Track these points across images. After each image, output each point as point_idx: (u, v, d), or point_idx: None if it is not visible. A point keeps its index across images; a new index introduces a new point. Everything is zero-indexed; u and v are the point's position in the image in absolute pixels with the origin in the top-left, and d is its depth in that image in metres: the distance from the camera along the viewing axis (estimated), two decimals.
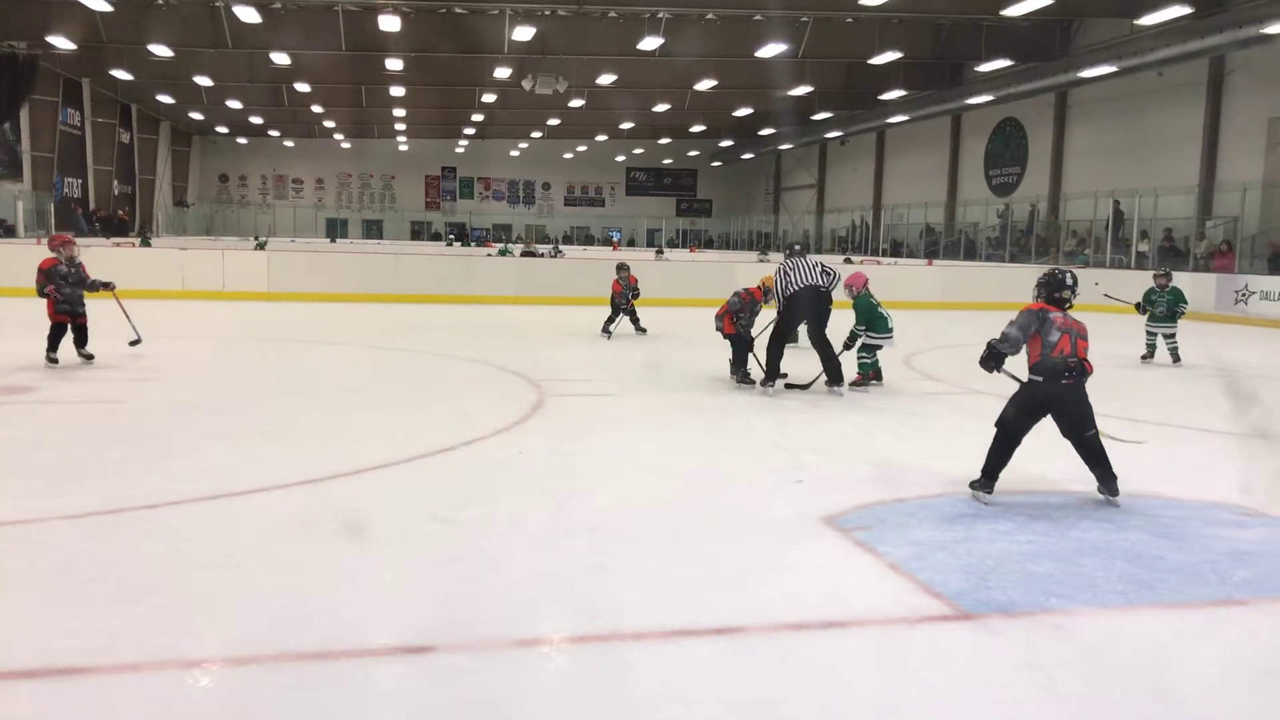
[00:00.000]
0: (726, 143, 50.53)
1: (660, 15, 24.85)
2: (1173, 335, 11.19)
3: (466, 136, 50.42)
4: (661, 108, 37.12)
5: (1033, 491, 5.29)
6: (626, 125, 44.76)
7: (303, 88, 34.59)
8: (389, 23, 23.79)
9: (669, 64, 29.45)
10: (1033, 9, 21.02)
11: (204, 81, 32.90)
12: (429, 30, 26.17)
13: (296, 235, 45.31)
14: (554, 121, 43.21)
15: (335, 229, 51.10)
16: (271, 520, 4.61)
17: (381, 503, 4.98)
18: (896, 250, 35.26)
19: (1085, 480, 5.22)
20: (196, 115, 43.97)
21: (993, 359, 5.11)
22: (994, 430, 5.15)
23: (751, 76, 31.41)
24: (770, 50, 25.45)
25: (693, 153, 55.09)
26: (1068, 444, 5.15)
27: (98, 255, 18.01)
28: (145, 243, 27.91)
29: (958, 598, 3.74)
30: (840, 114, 37.56)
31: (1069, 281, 5.08)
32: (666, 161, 56.73)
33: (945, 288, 20.76)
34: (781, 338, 8.63)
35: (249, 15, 23.40)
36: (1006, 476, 5.13)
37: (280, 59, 28.17)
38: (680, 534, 4.52)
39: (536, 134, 48.84)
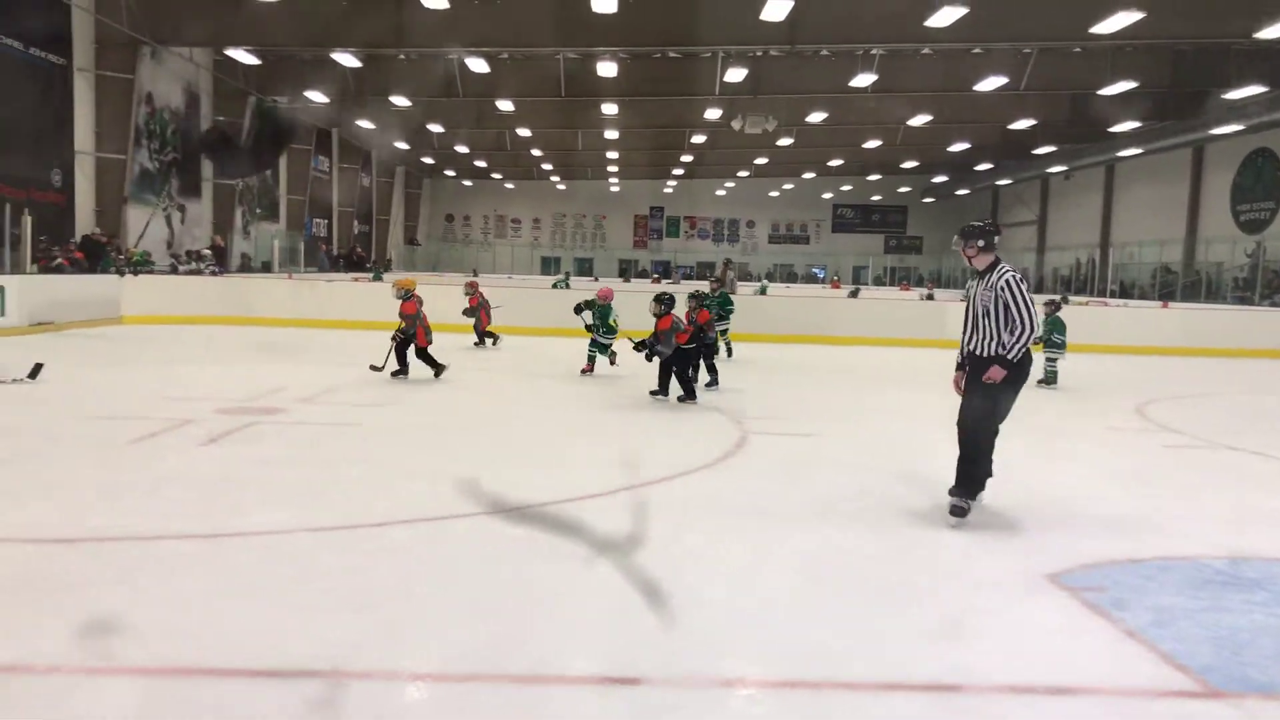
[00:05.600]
0: (940, 178, 49.02)
1: (874, 52, 24.54)
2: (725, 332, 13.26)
3: (675, 176, 51.53)
4: (872, 144, 36.53)
5: None
6: (835, 162, 44.35)
7: (524, 132, 36.56)
8: (606, 69, 24.76)
9: (882, 100, 29.00)
10: None
11: (436, 128, 35.41)
12: (643, 74, 27.05)
13: (514, 272, 47.65)
14: (761, 160, 43.43)
15: (549, 266, 53.41)
16: (490, 543, 4.81)
17: (592, 531, 5.10)
18: (1126, 291, 32.89)
19: None
20: (428, 160, 47.31)
21: (656, 352, 9.61)
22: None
23: (969, 111, 30.42)
24: (990, 84, 24.56)
25: (903, 189, 53.81)
26: None
27: (339, 289, 19.73)
28: (377, 277, 30.18)
29: (1206, 672, 3.39)
30: (1065, 148, 35.63)
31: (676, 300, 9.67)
32: (875, 198, 55.68)
33: (1184, 332, 19.11)
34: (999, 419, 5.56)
35: (479, 66, 25.03)
36: (1255, 542, 4.61)
37: (505, 106, 29.91)
38: (890, 582, 4.36)
39: (743, 173, 49.25)
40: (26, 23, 19.06)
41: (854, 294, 28.12)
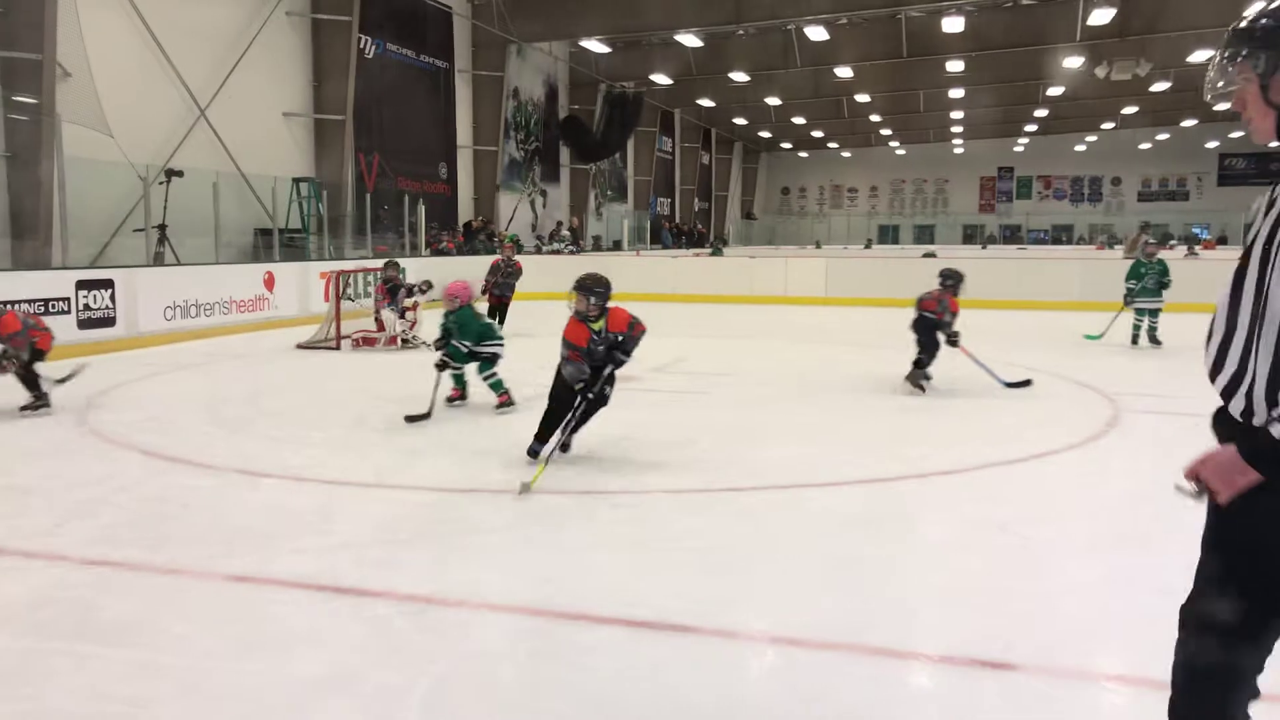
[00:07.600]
0: None
1: None
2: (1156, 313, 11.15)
3: (1026, 134, 47.87)
4: None
5: None
6: (1224, 106, 38.90)
7: (862, 98, 35.68)
8: (952, 24, 23.50)
9: None
10: None
11: (773, 101, 35.56)
12: (992, 27, 25.34)
13: (849, 243, 46.92)
14: (1130, 110, 39.12)
15: (886, 235, 52.03)
16: (837, 514, 4.81)
17: (947, 509, 4.93)
18: None
19: None
20: (764, 134, 47.70)
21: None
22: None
23: None
24: None
25: None
26: None
27: (679, 265, 20.56)
28: (716, 253, 31.05)
29: None
30: None
31: None
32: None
33: None
34: None
35: (817, 34, 24.76)
36: None
37: (843, 72, 29.38)
38: None
39: (1108, 124, 44.64)
40: (418, 33, 21.64)
41: None
